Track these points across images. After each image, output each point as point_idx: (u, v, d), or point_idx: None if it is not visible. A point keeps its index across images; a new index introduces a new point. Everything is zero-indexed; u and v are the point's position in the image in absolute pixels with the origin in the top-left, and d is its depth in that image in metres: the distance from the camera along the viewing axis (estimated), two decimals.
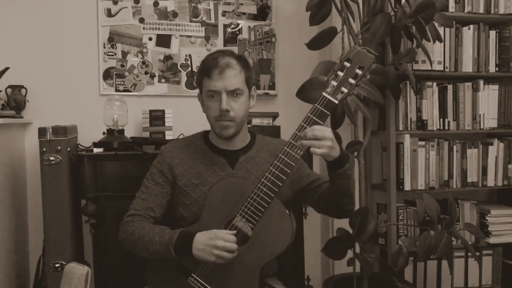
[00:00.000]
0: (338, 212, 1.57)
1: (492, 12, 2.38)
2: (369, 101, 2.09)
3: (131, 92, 2.39)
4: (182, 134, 2.20)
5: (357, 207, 2.17)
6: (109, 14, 2.35)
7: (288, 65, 2.55)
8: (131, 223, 1.51)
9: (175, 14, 2.42)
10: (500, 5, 2.38)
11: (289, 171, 1.34)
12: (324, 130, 1.31)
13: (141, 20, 2.38)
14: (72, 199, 1.95)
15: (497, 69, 2.41)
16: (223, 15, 2.48)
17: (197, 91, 1.60)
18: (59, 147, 1.85)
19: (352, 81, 1.30)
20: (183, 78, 2.44)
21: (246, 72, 1.52)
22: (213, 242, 1.36)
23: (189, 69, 2.44)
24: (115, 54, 2.36)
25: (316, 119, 1.31)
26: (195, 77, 1.65)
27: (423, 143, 2.34)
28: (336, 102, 1.31)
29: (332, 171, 1.42)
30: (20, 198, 2.20)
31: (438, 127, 2.35)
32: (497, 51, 2.41)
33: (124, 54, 2.37)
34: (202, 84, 1.53)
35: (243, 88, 1.51)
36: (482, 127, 2.40)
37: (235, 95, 1.49)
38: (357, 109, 2.04)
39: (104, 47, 2.35)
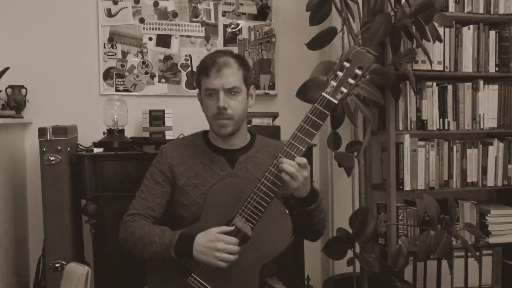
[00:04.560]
0: (299, 234, 1.58)
1: (492, 12, 2.38)
2: (369, 101, 2.09)
3: (131, 92, 2.39)
4: (182, 134, 2.20)
5: (357, 207, 2.18)
6: (109, 14, 2.35)
7: (288, 65, 2.55)
8: (131, 222, 1.51)
9: (175, 14, 2.42)
10: (500, 5, 2.38)
11: None
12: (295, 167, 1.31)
13: (141, 20, 2.38)
14: (72, 199, 1.95)
15: (497, 69, 2.41)
16: (223, 15, 2.48)
17: (197, 91, 1.61)
18: (59, 147, 1.85)
19: (351, 81, 1.31)
20: (183, 78, 2.44)
21: (244, 71, 1.53)
22: (214, 244, 1.36)
23: (189, 69, 2.44)
24: (115, 54, 2.36)
25: (315, 119, 1.32)
26: (195, 76, 1.67)
27: (423, 143, 2.34)
28: (336, 102, 1.31)
29: (295, 203, 1.44)
30: (20, 198, 2.20)
31: (438, 127, 2.35)
32: (497, 51, 2.40)
33: (124, 54, 2.37)
34: (200, 83, 1.54)
35: (241, 87, 1.51)
36: (482, 127, 2.40)
37: (232, 93, 1.49)
38: (357, 109, 2.04)
39: (104, 47, 2.35)
